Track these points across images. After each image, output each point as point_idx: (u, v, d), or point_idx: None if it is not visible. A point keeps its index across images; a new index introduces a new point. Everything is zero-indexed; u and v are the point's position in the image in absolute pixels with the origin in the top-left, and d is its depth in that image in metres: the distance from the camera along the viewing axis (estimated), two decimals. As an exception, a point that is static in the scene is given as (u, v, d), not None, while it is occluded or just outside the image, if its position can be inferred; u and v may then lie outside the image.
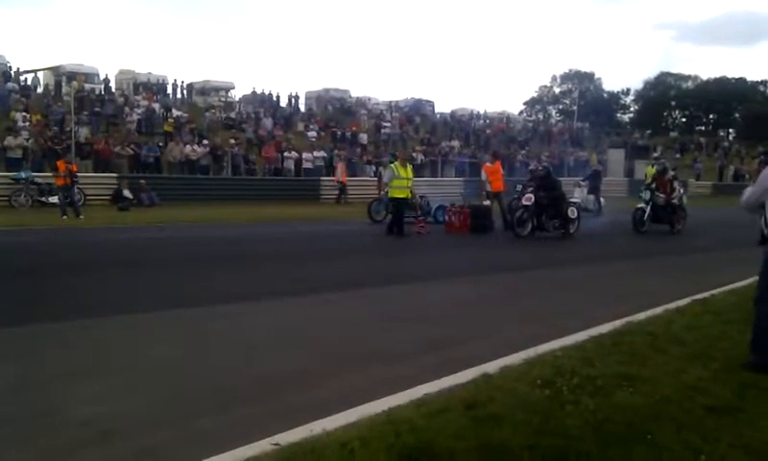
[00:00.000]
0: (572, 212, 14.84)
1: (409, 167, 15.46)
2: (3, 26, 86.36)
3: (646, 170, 17.63)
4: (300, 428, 3.54)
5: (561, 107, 78.50)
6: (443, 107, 49.91)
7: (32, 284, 8.31)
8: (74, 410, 3.98)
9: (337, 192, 25.92)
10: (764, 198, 4.85)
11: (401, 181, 14.73)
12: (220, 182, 25.69)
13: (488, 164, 17.18)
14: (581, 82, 75.54)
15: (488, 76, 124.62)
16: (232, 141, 27.71)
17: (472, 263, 11.49)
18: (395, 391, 4.22)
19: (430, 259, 12.03)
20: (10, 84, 31.74)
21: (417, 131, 39.46)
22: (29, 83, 34.84)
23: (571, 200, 15.95)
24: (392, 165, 15.50)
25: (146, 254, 11.56)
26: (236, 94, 40.55)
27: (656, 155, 39.42)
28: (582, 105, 63.73)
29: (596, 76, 78.58)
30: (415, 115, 42.68)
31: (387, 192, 15.31)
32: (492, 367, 4.72)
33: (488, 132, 42.15)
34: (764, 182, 4.84)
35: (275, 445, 3.35)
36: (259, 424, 3.70)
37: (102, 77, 35.45)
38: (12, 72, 33.91)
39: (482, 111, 48.75)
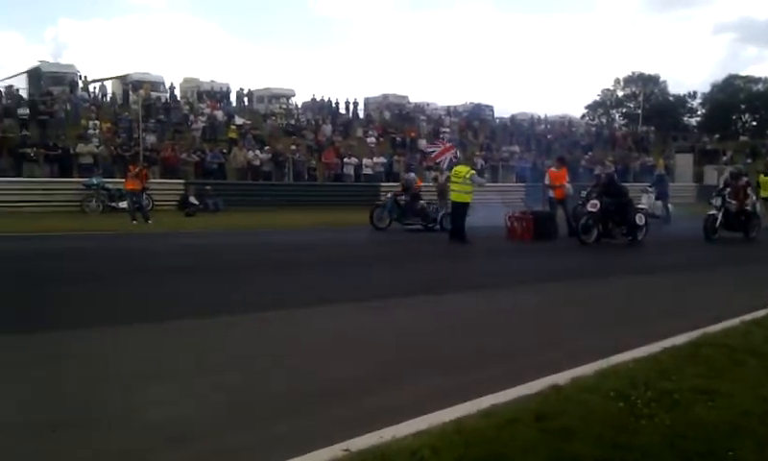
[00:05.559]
0: (640, 219, 14.41)
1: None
2: (73, 37, 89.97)
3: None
4: (370, 435, 3.53)
5: (624, 110, 76.44)
6: (502, 111, 49.06)
7: (100, 287, 8.57)
8: (146, 413, 4.04)
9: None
10: None
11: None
12: (282, 188, 26.08)
13: (553, 169, 16.84)
14: (645, 85, 73.34)
15: (548, 80, 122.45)
16: (293, 147, 28.11)
17: (536, 270, 11.32)
18: (462, 401, 4.17)
19: (491, 267, 11.89)
20: (81, 93, 32.96)
21: (476, 136, 39.18)
22: (98, 92, 36.13)
23: (639, 206, 15.51)
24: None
25: (213, 260, 11.84)
26: (297, 101, 41.09)
27: (725, 159, 38.13)
28: (647, 108, 61.91)
29: (661, 79, 76.26)
30: (474, 120, 42.35)
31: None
32: (561, 378, 4.62)
33: (549, 136, 41.49)
34: None
35: (345, 450, 3.36)
36: (328, 429, 3.71)
37: (167, 85, 36.31)
38: (82, 81, 35.14)
39: (543, 116, 47.93)
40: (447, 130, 37.68)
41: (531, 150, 37.18)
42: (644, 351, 5.36)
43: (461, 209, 14.42)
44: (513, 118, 45.04)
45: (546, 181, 16.50)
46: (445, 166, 22.66)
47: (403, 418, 3.81)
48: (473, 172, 15.34)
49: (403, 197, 17.20)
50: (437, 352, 5.63)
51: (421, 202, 17.01)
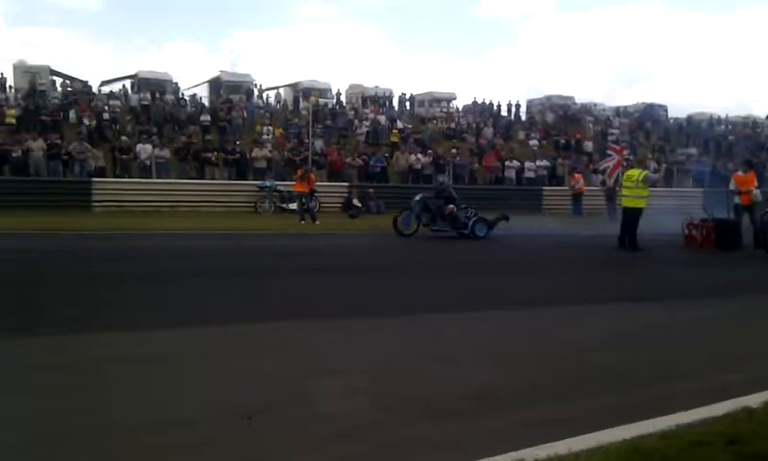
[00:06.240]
0: (841, 230, 12.83)
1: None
2: (248, 48, 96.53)
3: None
4: (539, 447, 3.37)
5: (821, 108, 68.85)
6: (678, 111, 45.34)
7: (268, 285, 9.03)
8: (319, 406, 4.14)
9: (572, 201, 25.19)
10: None
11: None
12: (442, 191, 26.10)
13: (739, 173, 15.34)
14: None
15: (729, 80, 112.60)
16: (454, 151, 28.14)
17: (722, 282, 10.45)
18: (634, 419, 3.87)
19: (667, 277, 11.09)
20: (255, 101, 35.25)
21: (647, 137, 36.97)
22: (271, 99, 38.41)
23: (840, 215, 13.77)
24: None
25: (370, 261, 12.22)
26: (458, 105, 41.01)
27: None
28: None
29: None
30: (646, 121, 39.97)
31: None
32: (753, 400, 4.17)
33: (730, 138, 38.24)
34: None
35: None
36: (492, 437, 3.60)
37: (334, 92, 37.73)
38: (257, 89, 37.47)
39: (723, 116, 44.13)
40: (616, 131, 35.91)
41: (710, 152, 34.49)
42: None
43: (634, 215, 13.60)
44: (689, 119, 41.92)
45: (732, 187, 15.04)
46: (613, 182, 21.72)
47: (574, 433, 3.60)
48: (646, 172, 14.39)
49: (433, 200, 16.16)
50: (604, 367, 5.29)
51: (451, 206, 15.95)
